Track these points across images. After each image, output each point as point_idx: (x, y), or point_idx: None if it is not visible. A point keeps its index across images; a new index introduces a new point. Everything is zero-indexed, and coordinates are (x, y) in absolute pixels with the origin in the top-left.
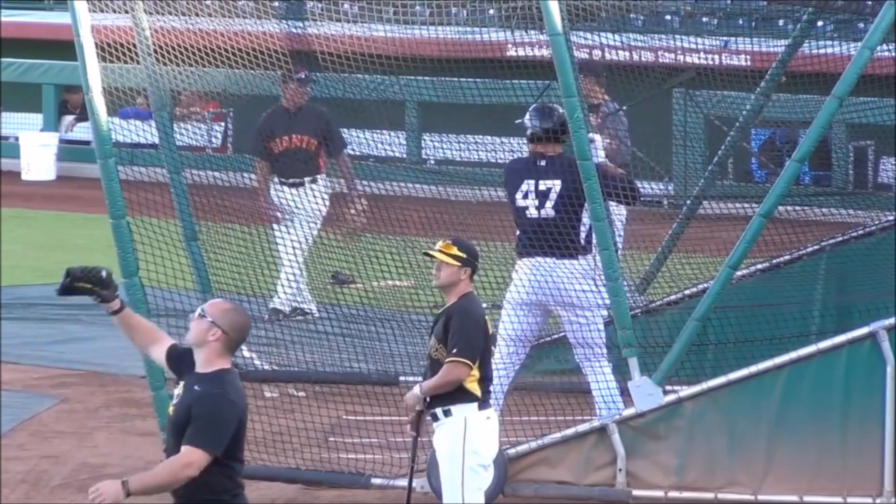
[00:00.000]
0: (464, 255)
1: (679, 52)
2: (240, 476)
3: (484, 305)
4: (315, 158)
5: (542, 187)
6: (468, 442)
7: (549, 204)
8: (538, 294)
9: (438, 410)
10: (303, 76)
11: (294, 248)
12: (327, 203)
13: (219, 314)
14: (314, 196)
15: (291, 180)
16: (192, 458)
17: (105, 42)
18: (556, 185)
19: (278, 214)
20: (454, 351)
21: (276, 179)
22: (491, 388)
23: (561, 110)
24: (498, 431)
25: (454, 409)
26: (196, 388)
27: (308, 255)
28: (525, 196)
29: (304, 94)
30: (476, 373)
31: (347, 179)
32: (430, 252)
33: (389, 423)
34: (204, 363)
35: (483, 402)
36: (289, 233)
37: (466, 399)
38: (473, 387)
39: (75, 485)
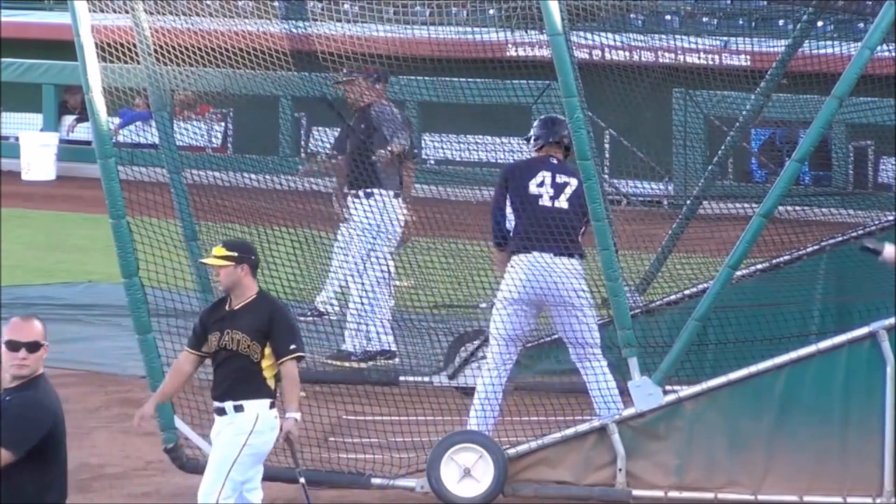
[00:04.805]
0: (234, 254)
1: (679, 52)
2: None
3: (483, 305)
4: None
5: (559, 180)
6: (252, 437)
7: (563, 197)
8: (533, 291)
9: (229, 405)
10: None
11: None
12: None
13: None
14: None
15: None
16: None
17: (105, 42)
18: (572, 182)
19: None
20: (291, 347)
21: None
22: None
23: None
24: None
25: (247, 404)
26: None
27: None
28: (541, 184)
29: (362, 92)
30: (276, 367)
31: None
32: (204, 261)
33: (389, 423)
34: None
35: (273, 401)
36: (349, 234)
37: (262, 394)
38: (271, 382)
39: (75, 485)
